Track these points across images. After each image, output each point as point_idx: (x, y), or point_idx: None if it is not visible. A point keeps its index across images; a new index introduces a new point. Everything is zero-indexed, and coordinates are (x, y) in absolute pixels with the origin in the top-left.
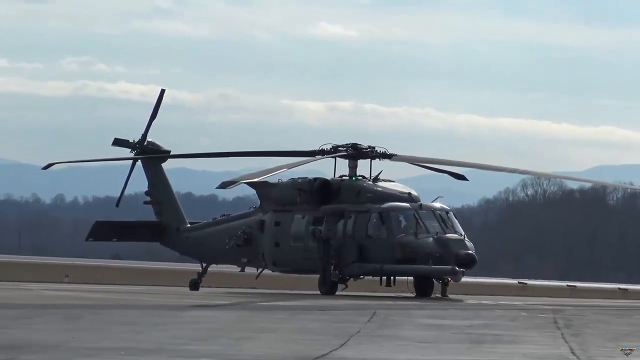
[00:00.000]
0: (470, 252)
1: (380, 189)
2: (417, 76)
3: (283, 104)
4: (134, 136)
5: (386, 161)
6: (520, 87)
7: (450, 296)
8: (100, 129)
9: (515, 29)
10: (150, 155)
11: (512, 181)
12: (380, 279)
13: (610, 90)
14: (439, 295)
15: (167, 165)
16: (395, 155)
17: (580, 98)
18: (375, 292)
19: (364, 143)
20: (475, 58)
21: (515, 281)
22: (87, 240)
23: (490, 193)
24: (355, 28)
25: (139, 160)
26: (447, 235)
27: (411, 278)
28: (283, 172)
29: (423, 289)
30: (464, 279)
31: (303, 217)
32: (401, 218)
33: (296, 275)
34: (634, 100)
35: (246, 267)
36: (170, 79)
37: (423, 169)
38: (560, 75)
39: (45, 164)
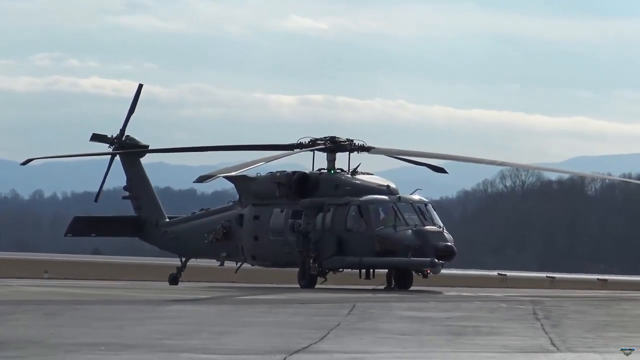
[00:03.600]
0: (449, 244)
1: (358, 181)
2: (389, 68)
3: (256, 98)
4: (109, 131)
5: (364, 154)
6: (493, 78)
7: (430, 289)
8: (75, 124)
9: (488, 21)
10: (128, 150)
11: (490, 173)
12: (360, 272)
13: (581, 82)
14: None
15: (145, 160)
16: (374, 148)
17: (552, 89)
18: (355, 285)
19: (339, 135)
20: (447, 50)
21: (494, 273)
22: (65, 235)
23: (469, 185)
24: (326, 21)
25: (118, 156)
26: (425, 227)
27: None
28: (261, 165)
29: (402, 282)
30: (444, 271)
31: (282, 211)
32: (380, 211)
33: (275, 269)
34: (605, 92)
35: (225, 262)
36: (143, 74)
37: (401, 161)
38: (531, 67)
39: (23, 159)
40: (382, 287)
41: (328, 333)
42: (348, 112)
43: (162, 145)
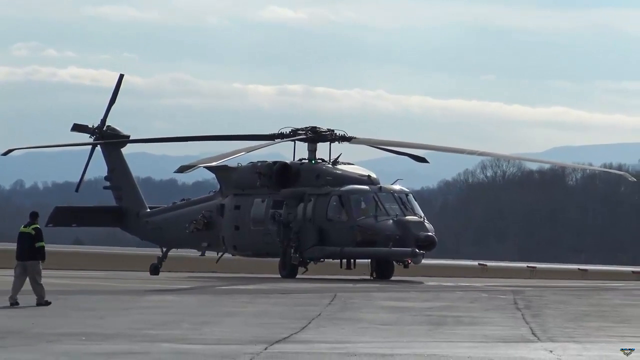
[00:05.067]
0: (430, 234)
1: (339, 171)
2: (368, 58)
3: (235, 88)
4: (88, 120)
5: (345, 144)
6: (472, 68)
7: (411, 279)
8: (55, 115)
9: (466, 11)
10: (109, 140)
11: (471, 163)
12: (341, 262)
13: (561, 72)
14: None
15: (126, 150)
16: (355, 138)
17: (531, 80)
18: (336, 275)
19: (318, 125)
20: (426, 40)
21: (475, 263)
22: (46, 225)
23: (450, 175)
24: (305, 11)
25: (99, 146)
26: (406, 217)
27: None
28: (242, 155)
29: (383, 272)
30: (424, 261)
31: (263, 201)
32: (361, 201)
33: (256, 258)
34: (585, 82)
35: (206, 251)
36: (121, 64)
37: (382, 151)
38: (510, 57)
39: (4, 150)
40: (369, 277)
41: (309, 323)
42: (327, 102)
43: (141, 135)
